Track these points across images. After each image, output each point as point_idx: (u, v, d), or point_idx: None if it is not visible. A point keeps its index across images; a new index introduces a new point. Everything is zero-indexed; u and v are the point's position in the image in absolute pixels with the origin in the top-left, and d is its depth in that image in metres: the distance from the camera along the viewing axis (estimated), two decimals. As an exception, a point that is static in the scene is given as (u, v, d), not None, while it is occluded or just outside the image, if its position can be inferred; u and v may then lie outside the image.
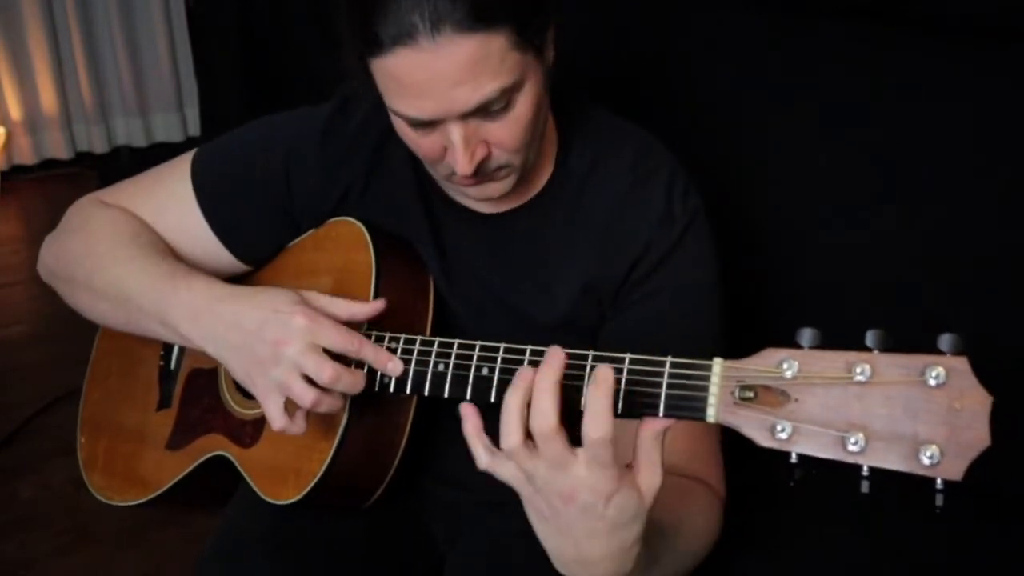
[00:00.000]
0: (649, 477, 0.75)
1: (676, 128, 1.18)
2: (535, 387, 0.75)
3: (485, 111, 0.91)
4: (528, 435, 0.75)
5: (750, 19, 1.50)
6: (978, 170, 1.28)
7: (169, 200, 1.19)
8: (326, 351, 0.96)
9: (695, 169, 1.11)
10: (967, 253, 1.29)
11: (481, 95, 0.88)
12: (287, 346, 0.95)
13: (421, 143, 0.96)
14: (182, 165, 1.20)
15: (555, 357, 0.76)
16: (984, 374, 0.64)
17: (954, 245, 1.30)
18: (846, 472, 0.67)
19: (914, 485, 0.65)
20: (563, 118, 1.10)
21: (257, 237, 1.19)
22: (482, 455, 0.79)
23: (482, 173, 0.97)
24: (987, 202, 1.28)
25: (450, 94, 0.88)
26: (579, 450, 0.74)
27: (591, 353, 0.81)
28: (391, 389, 0.98)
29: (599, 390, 0.73)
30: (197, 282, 1.06)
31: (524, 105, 0.93)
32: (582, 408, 0.74)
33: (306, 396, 0.95)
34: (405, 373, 0.96)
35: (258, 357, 0.97)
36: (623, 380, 0.78)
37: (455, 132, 0.91)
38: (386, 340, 0.99)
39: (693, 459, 1.01)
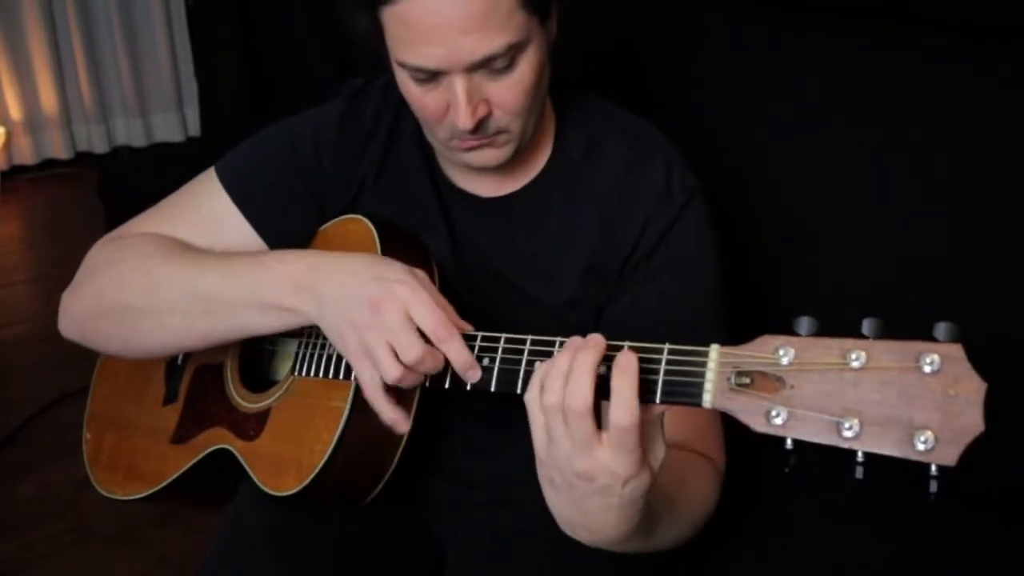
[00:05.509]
0: (653, 452, 0.77)
1: (677, 126, 1.19)
2: (574, 367, 0.75)
3: (489, 68, 0.94)
4: None
5: (750, 19, 1.52)
6: (977, 169, 1.29)
7: (206, 218, 1.16)
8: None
9: (697, 165, 1.11)
10: (966, 249, 1.30)
11: (488, 47, 0.91)
12: (384, 311, 0.91)
13: (425, 100, 0.98)
14: (206, 183, 1.18)
15: (596, 342, 0.77)
16: (983, 366, 0.64)
17: (954, 241, 1.31)
18: (842, 461, 0.67)
19: (909, 475, 0.65)
20: (560, 103, 1.13)
21: (302, 234, 1.17)
22: (535, 384, 0.78)
23: (482, 133, 0.99)
24: (986, 199, 1.29)
25: (458, 42, 0.90)
26: (604, 434, 0.74)
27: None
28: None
29: (625, 377, 0.73)
30: (287, 255, 1.04)
31: (527, 67, 0.96)
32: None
33: (391, 371, 0.91)
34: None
35: (353, 317, 0.93)
36: None
37: (459, 85, 0.94)
38: None
39: (693, 433, 1.03)
